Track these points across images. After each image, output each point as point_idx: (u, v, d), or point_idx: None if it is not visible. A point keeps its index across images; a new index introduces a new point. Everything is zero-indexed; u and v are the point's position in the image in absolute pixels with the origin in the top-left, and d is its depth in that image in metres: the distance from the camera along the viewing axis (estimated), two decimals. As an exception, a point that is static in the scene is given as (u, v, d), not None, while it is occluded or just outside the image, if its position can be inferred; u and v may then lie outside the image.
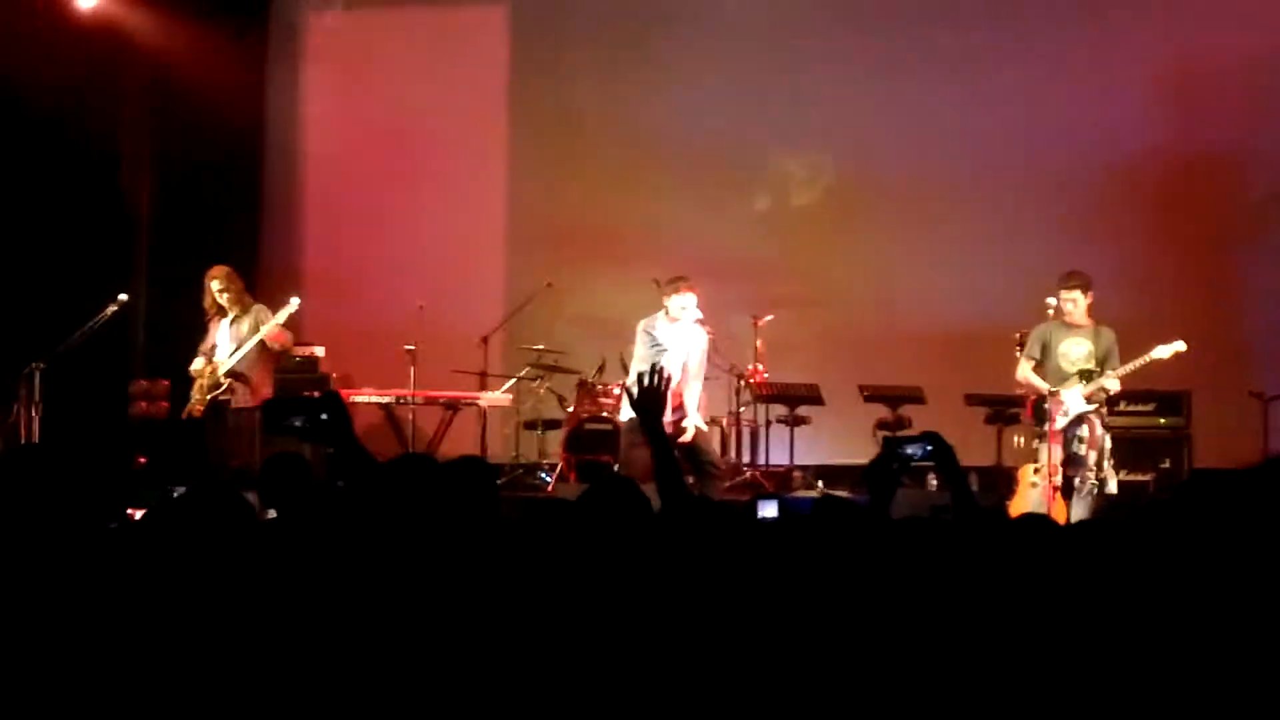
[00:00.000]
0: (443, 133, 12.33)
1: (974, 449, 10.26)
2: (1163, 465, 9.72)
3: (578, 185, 12.15)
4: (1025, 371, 8.75)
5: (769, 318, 10.88)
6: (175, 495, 2.94)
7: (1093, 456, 8.42)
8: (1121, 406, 9.69)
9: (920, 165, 11.65)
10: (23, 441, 9.19)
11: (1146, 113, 11.22)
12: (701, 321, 8.80)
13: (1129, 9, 11.34)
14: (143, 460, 10.69)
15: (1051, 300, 8.66)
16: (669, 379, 4.13)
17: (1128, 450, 9.67)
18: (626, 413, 8.97)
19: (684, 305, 8.64)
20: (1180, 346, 8.46)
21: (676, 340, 8.65)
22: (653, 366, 4.22)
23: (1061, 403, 8.49)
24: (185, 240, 11.30)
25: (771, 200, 12.09)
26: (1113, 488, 8.48)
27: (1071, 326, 8.64)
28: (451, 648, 2.63)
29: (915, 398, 10.53)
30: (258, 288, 11.17)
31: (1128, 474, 9.58)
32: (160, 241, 11.78)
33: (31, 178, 10.77)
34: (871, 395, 10.64)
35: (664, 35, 12.06)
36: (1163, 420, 9.86)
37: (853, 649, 2.43)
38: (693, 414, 8.65)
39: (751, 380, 10.65)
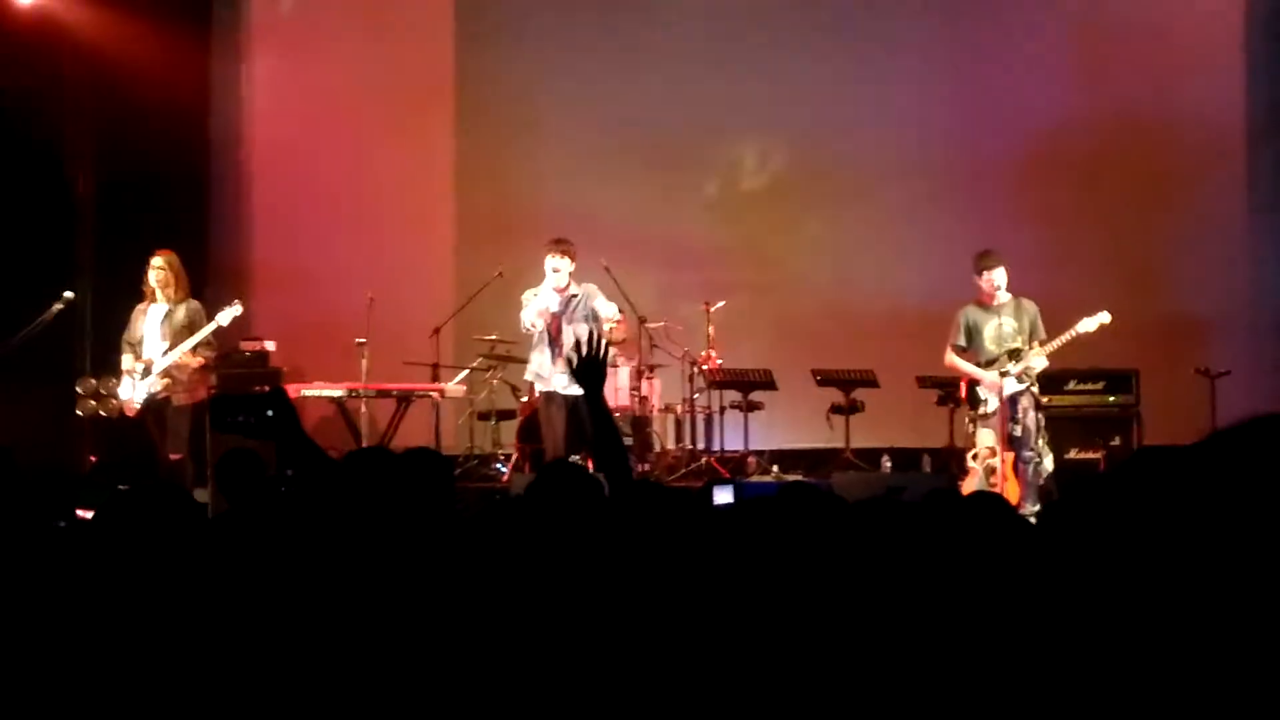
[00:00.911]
0: (390, 121, 12.25)
1: (927, 431, 10.35)
2: (1112, 443, 9.81)
3: (527, 173, 12.13)
4: (952, 359, 8.80)
5: (721, 304, 10.90)
6: (122, 493, 2.91)
7: (1031, 436, 8.46)
8: (1071, 385, 9.78)
9: (868, 149, 11.71)
10: (-31, 442, 9.08)
11: (1079, 85, 11.32)
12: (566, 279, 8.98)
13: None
14: (94, 459, 10.60)
15: (1104, 317, 8.61)
16: (609, 345, 3.96)
17: (1078, 429, 9.78)
18: (538, 384, 9.14)
19: (555, 268, 8.91)
20: (1105, 318, 8.51)
21: (537, 303, 8.92)
22: (591, 334, 4.07)
23: (997, 384, 8.55)
24: (131, 235, 11.16)
25: (721, 186, 12.12)
26: (1048, 465, 8.53)
27: (993, 307, 8.68)
28: (407, 642, 2.62)
29: (868, 381, 10.58)
30: (206, 282, 11.08)
31: (1078, 452, 9.68)
32: (106, 237, 11.64)
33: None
34: (824, 379, 10.69)
35: (612, 20, 12.05)
36: (1112, 398, 9.95)
37: (817, 635, 2.43)
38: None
39: (704, 367, 10.67)
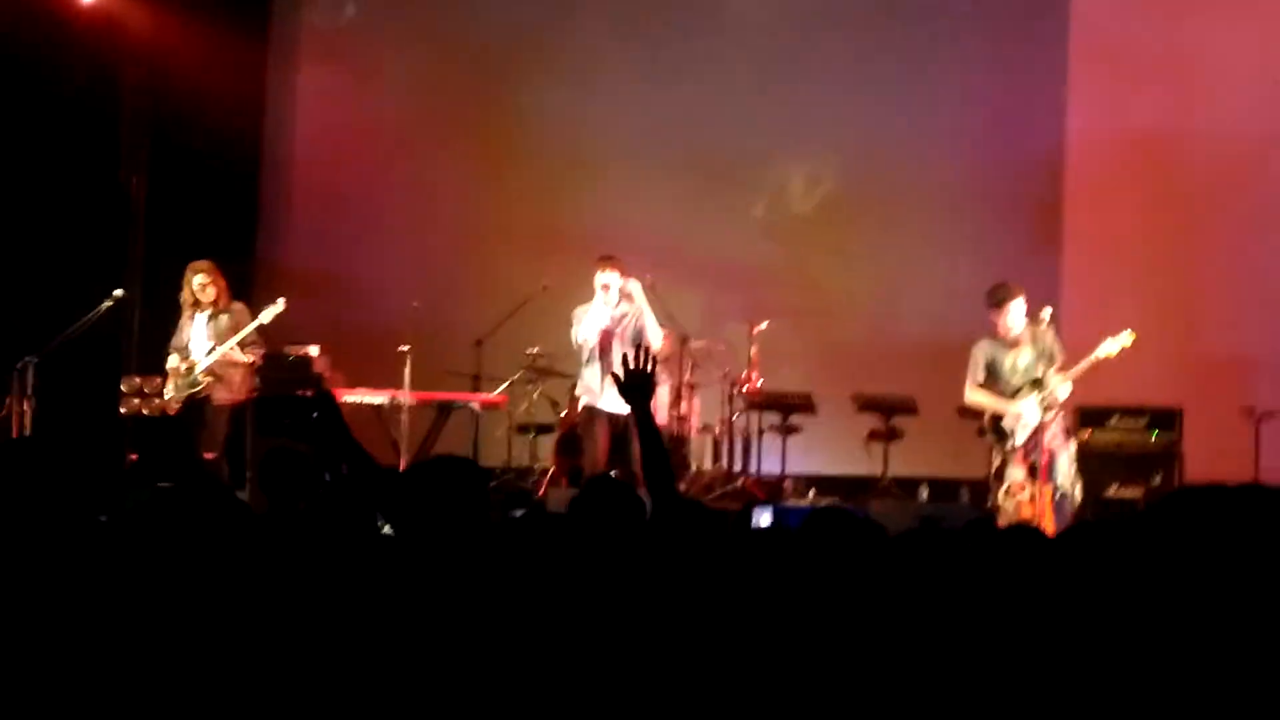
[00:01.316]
0: (440, 133, 12.32)
1: (967, 462, 10.26)
2: (1154, 481, 9.69)
3: (575, 188, 12.15)
4: (973, 395, 8.65)
5: (764, 325, 10.87)
6: (163, 490, 2.94)
7: (1062, 468, 8.33)
8: (1113, 422, 9.69)
9: (919, 173, 11.67)
10: (15, 435, 9.18)
11: (1142, 125, 11.21)
12: (626, 295, 8.99)
13: (1117, 15, 11.35)
14: (133, 457, 10.68)
15: (1048, 311, 8.60)
16: (655, 359, 3.89)
17: (1118, 466, 9.67)
18: (581, 400, 9.13)
19: (604, 284, 8.93)
20: (1126, 340, 8.38)
21: (590, 321, 8.93)
22: (638, 347, 4.01)
23: (1020, 415, 8.42)
24: (181, 238, 11.28)
25: (770, 207, 12.09)
26: (1077, 496, 8.39)
27: (1009, 339, 8.56)
28: (442, 648, 2.63)
29: (908, 408, 10.52)
30: (253, 286, 11.17)
31: (1118, 489, 9.58)
32: (156, 238, 11.77)
33: (30, 173, 10.77)
34: (864, 405, 10.63)
35: (667, 39, 12.07)
36: (1154, 435, 9.85)
37: (851, 662, 2.42)
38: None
39: (745, 388, 10.64)
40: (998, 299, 8.54)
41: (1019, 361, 8.50)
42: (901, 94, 11.67)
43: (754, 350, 10.79)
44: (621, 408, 8.65)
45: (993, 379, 8.58)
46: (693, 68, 12.00)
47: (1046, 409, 8.37)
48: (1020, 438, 8.41)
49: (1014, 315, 8.52)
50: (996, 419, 8.55)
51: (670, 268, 10.86)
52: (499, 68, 12.42)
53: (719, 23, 12.02)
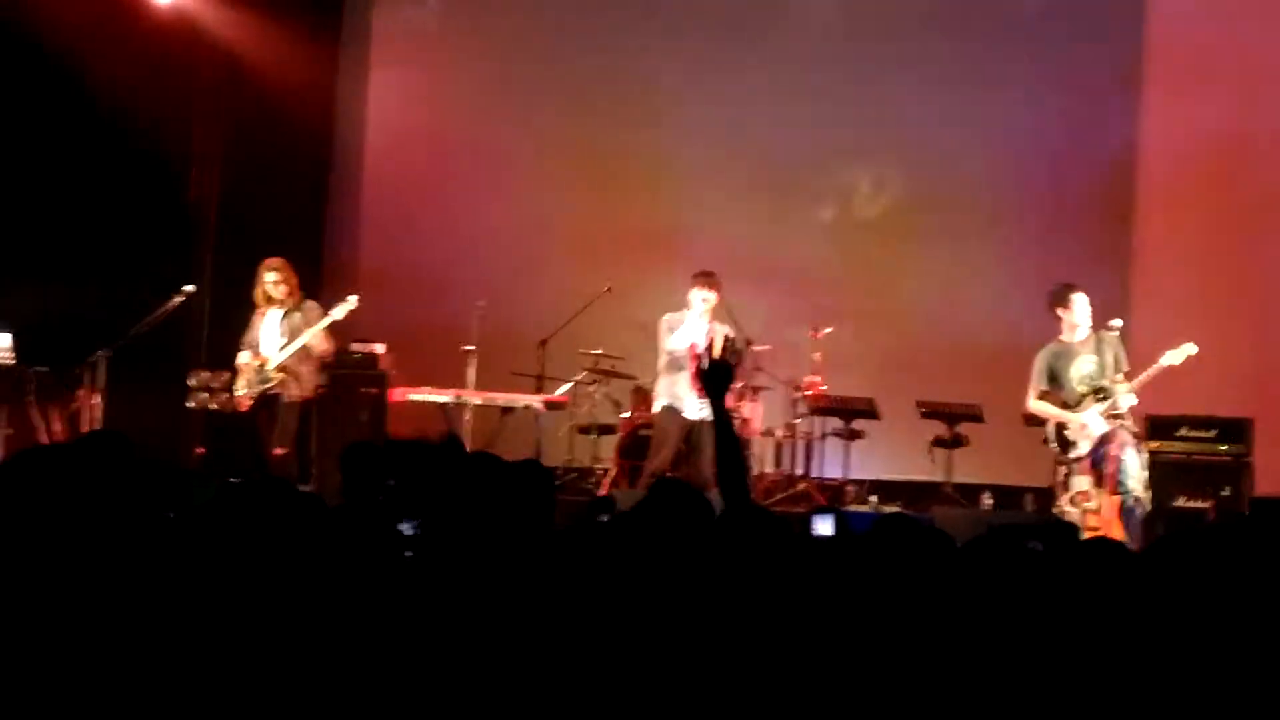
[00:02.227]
0: (508, 133, 12.39)
1: (1031, 469, 10.17)
2: (1223, 493, 9.56)
3: (640, 190, 12.16)
4: (1035, 404, 8.54)
5: (828, 330, 10.84)
6: (232, 486, 2.96)
7: (1132, 476, 8.20)
8: (1182, 432, 9.56)
9: (986, 179, 11.58)
10: (85, 429, 9.31)
11: (1214, 132, 11.04)
12: (714, 317, 8.96)
13: (1201, 24, 11.19)
14: (201, 451, 10.81)
15: (1118, 322, 8.50)
16: (740, 353, 3.92)
17: (1187, 477, 9.54)
18: (660, 401, 9.11)
19: (704, 299, 8.92)
20: (1191, 350, 8.25)
21: (684, 332, 8.87)
22: (726, 338, 4.03)
23: (1085, 425, 8.31)
24: (251, 234, 11.40)
25: (836, 211, 12.05)
26: (1146, 504, 8.26)
27: (1072, 345, 8.44)
28: (510, 647, 2.64)
29: (973, 416, 10.45)
30: (321, 283, 11.27)
31: (1187, 501, 9.45)
32: (226, 234, 11.91)
33: (103, 169, 10.92)
34: (929, 412, 10.57)
35: (736, 42, 12.06)
36: (1224, 446, 9.70)
37: (920, 672, 2.41)
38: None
39: (808, 392, 10.61)
40: (1060, 298, 8.43)
41: (1082, 369, 8.37)
42: (969, 100, 11.58)
43: (817, 355, 10.76)
44: (696, 413, 8.68)
45: (1055, 387, 8.47)
46: (759, 72, 11.97)
47: (1111, 417, 8.25)
48: (1084, 447, 8.28)
49: (1079, 312, 8.38)
50: (1060, 428, 8.44)
51: (734, 271, 10.80)
52: (567, 70, 12.46)
53: (785, 28, 12.00)
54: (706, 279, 9.01)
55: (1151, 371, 8.29)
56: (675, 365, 8.99)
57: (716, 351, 3.84)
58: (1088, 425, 8.28)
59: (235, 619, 2.58)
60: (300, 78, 11.91)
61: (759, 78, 11.97)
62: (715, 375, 3.79)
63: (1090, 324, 8.41)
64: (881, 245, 11.87)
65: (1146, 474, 8.31)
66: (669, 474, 8.69)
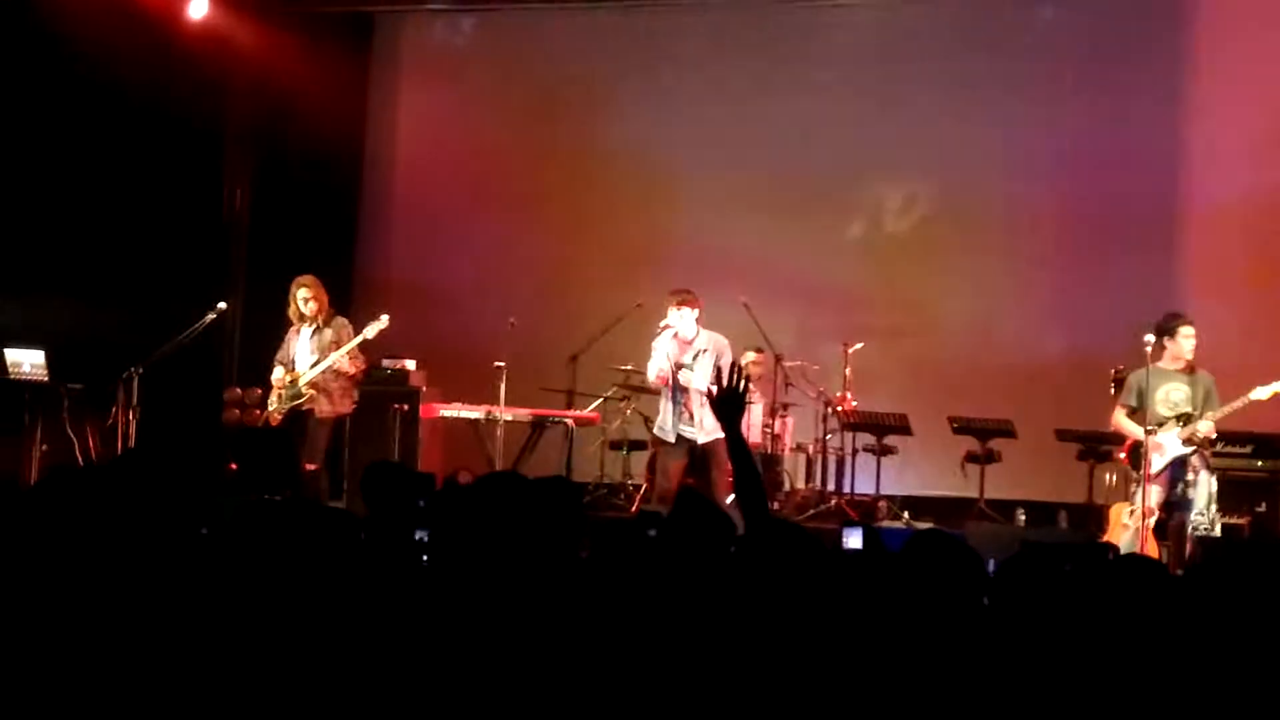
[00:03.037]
0: (538, 150, 12.42)
1: (1065, 485, 10.12)
2: (1258, 509, 9.48)
3: (671, 206, 12.17)
4: (1120, 420, 8.62)
5: (859, 345, 10.82)
6: (268, 502, 2.97)
7: (1201, 500, 8.27)
8: (1219, 448, 9.48)
9: (1014, 196, 11.53)
10: (120, 444, 9.36)
11: (1258, 148, 10.96)
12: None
13: (1244, 41, 11.11)
14: (233, 467, 10.84)
15: (1149, 338, 8.49)
16: (748, 377, 3.90)
17: (1223, 493, 9.45)
18: (657, 430, 9.09)
19: (669, 321, 8.83)
20: (1279, 387, 8.31)
21: (657, 356, 8.85)
22: (732, 365, 4.01)
23: (1160, 445, 8.36)
24: (283, 251, 11.47)
25: (866, 228, 12.02)
26: (1217, 531, 8.33)
27: (1168, 372, 8.50)
28: (537, 662, 2.63)
29: (1005, 431, 10.39)
30: (352, 299, 11.32)
31: (1223, 517, 9.37)
32: (258, 251, 11.98)
33: (136, 185, 11.01)
34: (960, 427, 10.52)
35: (763, 59, 12.06)
36: (1260, 463, 9.62)
37: (956, 689, 2.39)
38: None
39: (839, 408, 10.58)
40: (1169, 328, 8.47)
41: (1172, 395, 8.46)
42: (999, 117, 11.54)
43: (848, 370, 10.73)
44: (693, 435, 8.66)
45: (1141, 405, 8.51)
46: (789, 88, 11.97)
47: (1187, 443, 8.32)
48: (1156, 465, 8.34)
49: (1184, 344, 8.45)
50: (1137, 445, 8.50)
51: (765, 287, 10.84)
52: (597, 87, 12.49)
53: (816, 47, 12.00)
54: (673, 295, 8.90)
55: (1236, 405, 8.37)
56: (663, 393, 8.94)
57: (726, 380, 3.81)
58: (1164, 445, 8.34)
59: (264, 633, 2.59)
60: (331, 96, 11.98)
61: (790, 96, 11.96)
62: (727, 402, 3.80)
63: (1191, 356, 8.45)
64: (912, 261, 11.83)
65: (1215, 505, 8.41)
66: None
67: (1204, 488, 8.35)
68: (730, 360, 8.80)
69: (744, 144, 12.02)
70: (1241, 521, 9.34)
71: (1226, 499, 9.18)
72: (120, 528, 2.96)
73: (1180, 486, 8.30)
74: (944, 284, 11.69)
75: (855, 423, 10.65)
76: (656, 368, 8.86)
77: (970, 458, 10.47)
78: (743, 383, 3.82)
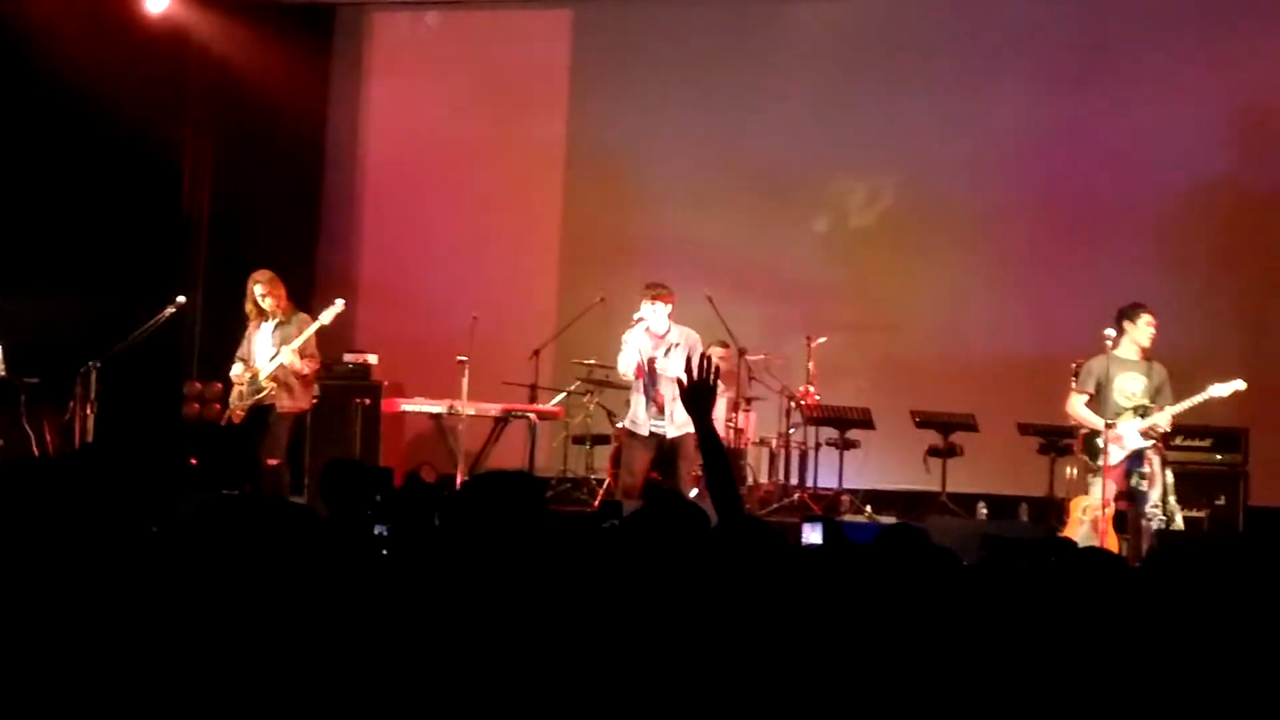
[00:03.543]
0: (501, 144, 12.38)
1: (1027, 479, 10.17)
2: (1218, 501, 9.55)
3: (634, 200, 12.16)
4: (1077, 406, 8.62)
5: (822, 339, 10.83)
6: (228, 497, 2.94)
7: (1155, 493, 8.31)
8: (1178, 441, 9.55)
9: (979, 190, 11.57)
10: (77, 440, 9.27)
11: (1214, 142, 11.04)
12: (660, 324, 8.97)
13: (1195, 36, 11.19)
14: (194, 462, 10.75)
15: (1110, 332, 8.54)
16: (718, 368, 3.90)
17: (1183, 486, 9.52)
18: (627, 423, 9.11)
19: (642, 314, 8.92)
20: (1239, 385, 8.39)
21: (629, 351, 8.91)
22: (703, 356, 4.01)
23: (1120, 437, 8.38)
24: (243, 244, 11.40)
25: (829, 222, 12.03)
26: (1179, 523, 8.38)
27: (1126, 361, 8.54)
28: (504, 657, 2.62)
29: (967, 425, 10.43)
30: (314, 294, 11.25)
31: (1182, 510, 9.44)
32: (219, 245, 11.89)
33: (94, 178, 10.90)
34: (923, 421, 10.55)
35: (727, 53, 12.05)
36: (1219, 456, 9.70)
37: (915, 683, 2.38)
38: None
39: (802, 402, 10.60)
40: (1132, 314, 8.52)
41: (1129, 386, 8.48)
42: (963, 111, 11.57)
43: (812, 365, 10.74)
44: (664, 430, 8.70)
45: (1098, 396, 8.53)
46: (753, 82, 11.97)
47: (1146, 436, 8.36)
48: (1114, 458, 8.36)
49: (1143, 332, 8.50)
50: (1091, 435, 8.51)
51: (729, 282, 10.84)
52: (561, 82, 12.46)
53: (781, 39, 11.99)
54: (647, 289, 8.99)
55: (1194, 400, 8.41)
56: (635, 387, 8.99)
57: (697, 372, 3.81)
58: (1123, 437, 8.36)
59: (223, 630, 2.56)
60: (293, 89, 11.91)
61: (754, 89, 11.96)
62: (697, 395, 3.78)
63: (1149, 347, 8.50)
64: (876, 256, 11.86)
65: (1172, 497, 8.46)
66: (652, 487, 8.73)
67: (1160, 480, 8.38)
68: (702, 353, 8.86)
69: (708, 138, 12.02)
70: (1200, 515, 9.42)
71: (1186, 492, 9.27)
72: (76, 523, 2.92)
73: (1135, 478, 8.33)
74: (908, 278, 11.72)
75: (818, 417, 10.67)
76: (628, 360, 8.88)
77: (932, 452, 10.51)
78: (712, 375, 3.81)
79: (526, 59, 12.50)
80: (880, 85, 11.76)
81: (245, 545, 2.73)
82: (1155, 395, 8.44)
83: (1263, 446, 9.76)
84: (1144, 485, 8.31)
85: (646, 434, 8.90)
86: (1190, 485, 9.51)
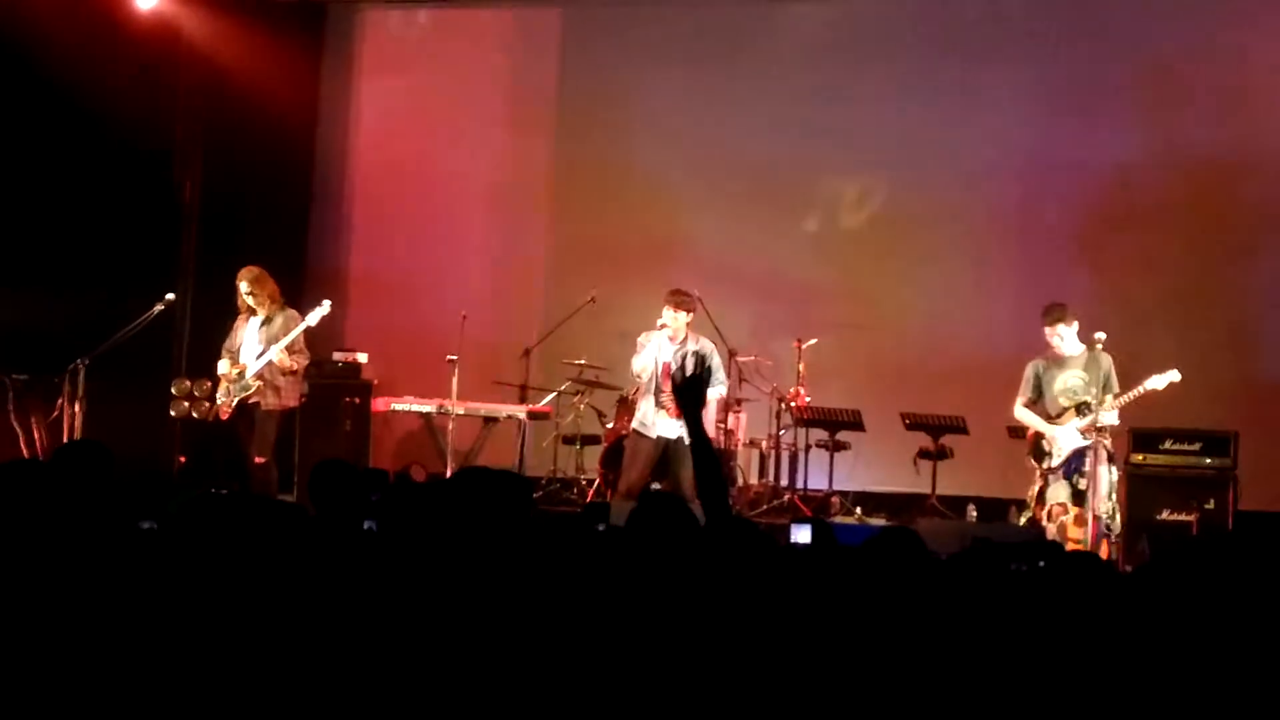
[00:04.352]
0: (493, 142, 12.37)
1: (1016, 482, 10.15)
2: (1207, 505, 9.55)
3: (624, 200, 12.14)
4: (1020, 412, 8.68)
5: (813, 341, 10.83)
6: (216, 495, 2.93)
7: (1103, 488, 8.29)
8: (1167, 445, 9.57)
9: (970, 192, 11.57)
10: (65, 437, 9.24)
11: (1210, 148, 11.04)
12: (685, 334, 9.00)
13: (1186, 39, 11.20)
14: (183, 460, 10.74)
15: (1101, 335, 8.54)
16: (710, 366, 3.91)
17: (1172, 490, 9.53)
18: (637, 425, 9.14)
19: (664, 321, 8.97)
20: (1174, 376, 8.39)
21: (648, 353, 8.94)
22: (697, 355, 4.01)
23: (1054, 439, 8.42)
24: (233, 241, 11.37)
25: (820, 223, 12.02)
26: (1117, 525, 8.37)
27: (1063, 359, 8.55)
28: (482, 660, 2.61)
29: (957, 427, 10.44)
30: (304, 291, 11.22)
31: (1171, 514, 9.44)
32: (208, 241, 11.85)
33: (84, 174, 10.86)
34: (913, 423, 10.56)
35: (718, 53, 12.04)
36: (1209, 460, 9.70)
37: (909, 685, 2.38)
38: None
39: (792, 403, 10.60)
40: (1051, 318, 8.58)
41: (1068, 383, 8.50)
42: (953, 115, 11.57)
43: (802, 366, 10.74)
44: (669, 432, 8.72)
45: (1040, 398, 8.56)
46: (744, 82, 11.97)
47: (1085, 434, 8.34)
48: (1056, 459, 8.39)
49: (1064, 339, 8.54)
50: (1038, 438, 8.54)
51: (719, 282, 10.82)
52: (551, 81, 12.44)
53: (772, 40, 11.98)
54: (671, 296, 9.04)
55: (1134, 393, 8.42)
56: (644, 389, 9.03)
57: (689, 369, 3.82)
58: (1058, 439, 8.39)
59: (212, 628, 2.55)
60: (283, 86, 11.88)
61: (744, 90, 11.96)
62: (687, 392, 3.80)
63: (1079, 341, 8.49)
64: (866, 258, 11.86)
65: (1114, 494, 8.43)
66: (647, 489, 8.73)
67: (1104, 479, 8.34)
68: (718, 363, 8.96)
69: (699, 139, 12.01)
70: (1190, 518, 9.42)
71: (1175, 497, 9.28)
72: (64, 521, 2.91)
73: (1075, 478, 8.33)
74: (898, 279, 11.72)
75: (808, 418, 10.67)
76: (645, 363, 8.90)
77: (923, 454, 10.52)
78: (704, 372, 3.82)
79: (516, 58, 12.48)
80: (870, 87, 11.76)
81: (233, 543, 2.72)
82: (1105, 386, 8.43)
83: (1252, 451, 9.76)
84: (1082, 484, 8.29)
85: (654, 436, 8.93)
86: (1179, 489, 9.53)
